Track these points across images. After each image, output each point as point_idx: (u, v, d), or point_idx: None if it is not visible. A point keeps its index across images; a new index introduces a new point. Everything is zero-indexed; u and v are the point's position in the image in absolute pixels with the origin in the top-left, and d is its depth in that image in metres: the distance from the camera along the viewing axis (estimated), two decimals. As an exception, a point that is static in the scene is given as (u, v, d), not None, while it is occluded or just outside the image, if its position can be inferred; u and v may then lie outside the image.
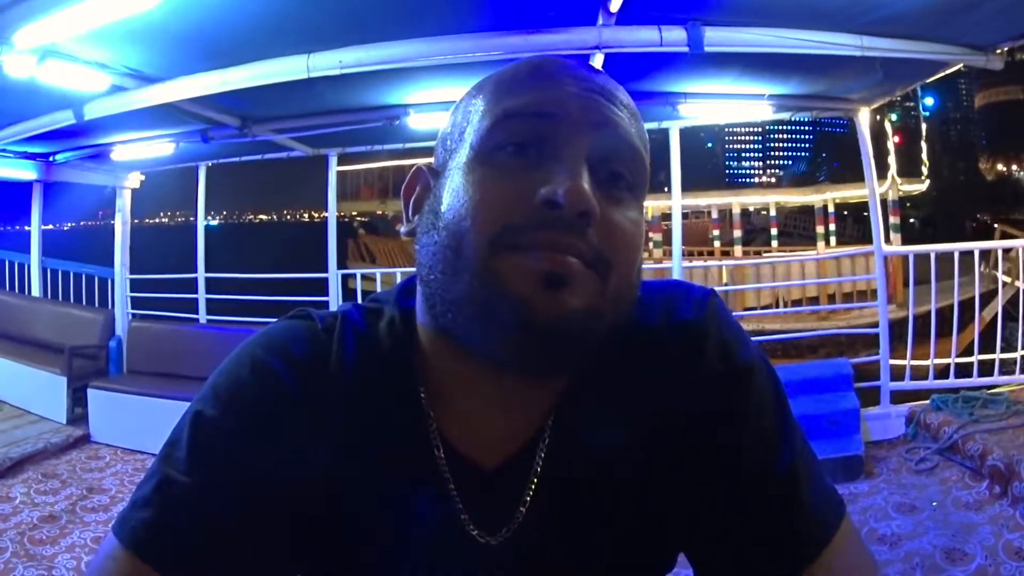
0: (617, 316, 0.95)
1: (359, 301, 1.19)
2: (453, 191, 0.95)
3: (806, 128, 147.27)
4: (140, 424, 8.04)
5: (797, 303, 16.42)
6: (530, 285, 0.88)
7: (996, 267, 9.62)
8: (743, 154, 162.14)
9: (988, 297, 10.23)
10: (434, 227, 0.97)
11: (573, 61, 1.04)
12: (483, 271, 0.89)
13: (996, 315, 9.27)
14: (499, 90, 1.01)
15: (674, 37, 5.40)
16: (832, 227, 26.86)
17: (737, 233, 25.84)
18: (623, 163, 0.97)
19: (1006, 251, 9.59)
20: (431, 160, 1.10)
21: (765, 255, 23.35)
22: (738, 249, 24.36)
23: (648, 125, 8.69)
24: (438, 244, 0.95)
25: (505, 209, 0.90)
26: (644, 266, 1.05)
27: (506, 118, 0.96)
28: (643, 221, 1.01)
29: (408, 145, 10.31)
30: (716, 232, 28.26)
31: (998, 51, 6.04)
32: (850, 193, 28.37)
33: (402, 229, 1.09)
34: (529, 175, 0.92)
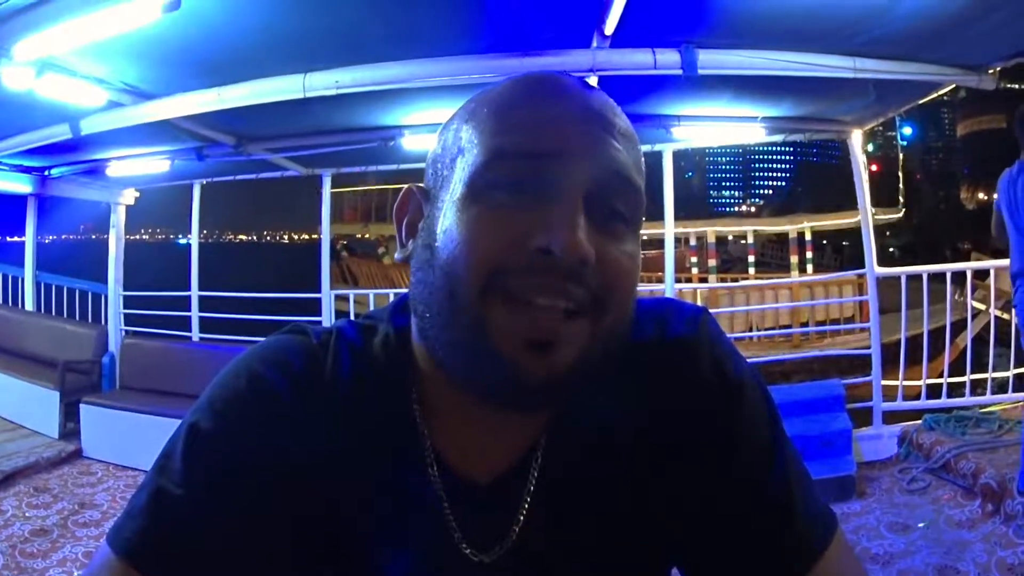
0: (609, 351, 0.96)
1: (355, 319, 1.18)
2: (447, 230, 0.95)
3: (787, 157, 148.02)
4: (132, 440, 8.00)
5: (770, 330, 16.40)
6: (519, 346, 0.89)
7: (972, 293, 9.67)
8: (723, 184, 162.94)
9: (963, 325, 10.31)
10: (429, 265, 0.97)
11: (569, 78, 1.03)
12: (474, 321, 0.90)
13: (979, 338, 9.33)
14: (493, 120, 0.98)
15: (668, 60, 5.41)
16: (809, 255, 26.87)
17: (712, 262, 25.80)
18: (620, 198, 0.97)
19: (983, 278, 9.65)
20: (422, 183, 1.10)
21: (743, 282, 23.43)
22: (713, 278, 24.32)
23: (640, 148, 8.82)
24: (433, 285, 0.95)
25: (498, 253, 0.90)
26: None
27: (500, 157, 0.94)
28: (639, 251, 1.01)
29: (400, 167, 10.32)
30: (694, 259, 28.27)
31: (990, 71, 6.06)
32: (828, 223, 28.42)
33: (396, 255, 1.09)
34: (524, 217, 0.91)
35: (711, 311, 1.16)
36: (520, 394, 0.93)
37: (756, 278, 26.08)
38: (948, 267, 8.13)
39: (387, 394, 1.07)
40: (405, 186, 1.10)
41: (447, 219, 0.95)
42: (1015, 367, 7.62)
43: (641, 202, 0.99)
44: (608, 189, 0.95)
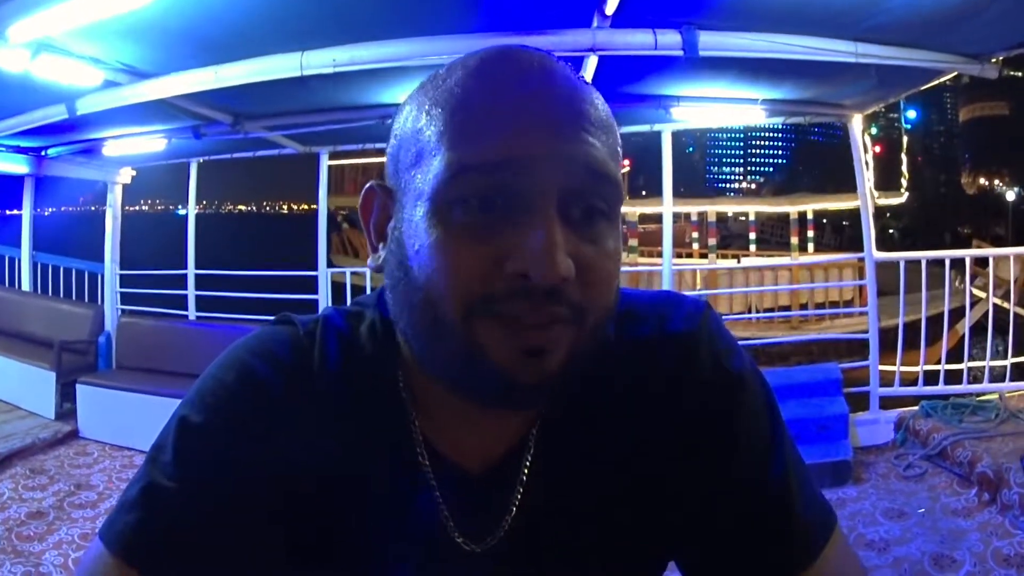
0: (596, 344, 0.94)
1: (341, 305, 1.17)
2: (419, 253, 0.91)
3: (788, 136, 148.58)
4: (129, 420, 8.02)
5: (769, 310, 16.46)
6: (511, 355, 0.87)
7: (972, 281, 9.69)
8: (724, 160, 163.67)
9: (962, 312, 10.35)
10: (406, 285, 0.94)
11: (531, 58, 0.95)
12: (463, 339, 0.88)
13: (978, 323, 9.36)
14: (450, 124, 0.90)
15: (668, 40, 5.38)
16: (811, 234, 26.98)
17: (712, 241, 25.85)
18: (597, 194, 0.91)
19: (983, 265, 9.67)
20: (383, 173, 1.07)
21: (745, 260, 23.56)
22: (713, 256, 24.44)
23: (640, 128, 8.85)
24: (413, 307, 0.92)
25: (476, 280, 0.87)
26: (624, 269, 1.01)
27: (462, 172, 0.87)
28: (620, 238, 0.98)
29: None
30: (695, 234, 28.36)
31: (993, 60, 6.05)
32: (829, 205, 28.46)
33: (369, 263, 1.06)
34: (497, 239, 0.87)
35: (710, 291, 1.14)
36: (514, 398, 0.92)
37: (757, 255, 26.20)
38: (947, 254, 8.14)
39: (376, 383, 1.06)
40: (368, 183, 1.06)
41: (417, 239, 0.91)
42: (1013, 356, 7.62)
43: (619, 192, 0.94)
44: (584, 187, 0.90)
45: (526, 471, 1.06)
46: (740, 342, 1.14)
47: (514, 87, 0.91)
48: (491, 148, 0.87)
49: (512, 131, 0.88)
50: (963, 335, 8.21)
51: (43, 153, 9.88)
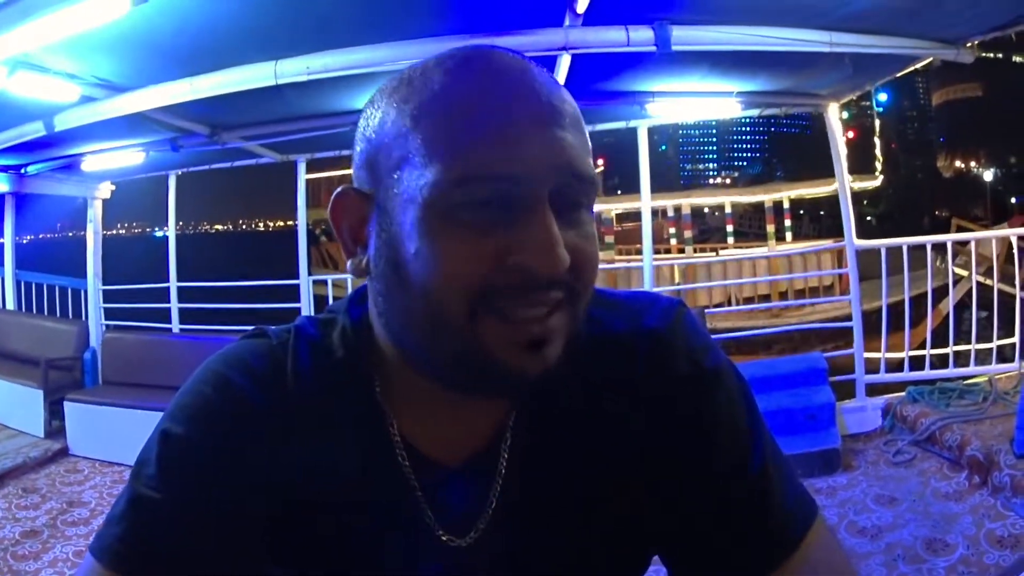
0: (581, 324, 0.97)
1: (314, 314, 1.19)
2: (417, 254, 0.90)
3: (760, 129, 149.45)
4: (117, 436, 7.98)
5: (749, 300, 16.52)
6: (515, 350, 0.90)
7: (954, 259, 9.73)
8: (697, 156, 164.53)
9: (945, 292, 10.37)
10: (401, 288, 0.94)
11: (509, 60, 0.96)
12: (466, 338, 0.90)
13: (961, 304, 9.39)
14: (446, 133, 0.90)
15: (641, 37, 5.39)
16: (788, 223, 27.16)
17: (688, 233, 25.96)
18: (581, 191, 0.94)
19: (963, 244, 9.68)
20: (350, 173, 1.07)
21: (723, 252, 23.71)
22: (690, 249, 24.55)
23: (615, 125, 8.89)
24: (411, 308, 0.93)
25: (479, 276, 0.88)
26: (602, 267, 1.03)
27: (466, 181, 0.88)
28: (594, 223, 0.99)
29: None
30: (672, 230, 28.46)
31: (968, 45, 6.07)
32: (804, 191, 28.63)
33: (348, 266, 1.04)
34: (495, 233, 0.89)
35: (689, 285, 1.15)
36: (517, 390, 0.97)
37: (735, 247, 26.33)
38: (928, 239, 8.14)
39: (350, 385, 1.07)
40: (339, 188, 1.05)
41: (412, 242, 0.91)
42: (998, 338, 7.64)
43: (596, 185, 0.97)
44: (569, 186, 0.92)
45: (504, 462, 1.08)
46: (723, 335, 1.15)
47: (502, 95, 0.92)
48: (489, 160, 0.88)
49: (510, 142, 0.89)
50: (947, 314, 8.24)
51: (23, 171, 9.82)
